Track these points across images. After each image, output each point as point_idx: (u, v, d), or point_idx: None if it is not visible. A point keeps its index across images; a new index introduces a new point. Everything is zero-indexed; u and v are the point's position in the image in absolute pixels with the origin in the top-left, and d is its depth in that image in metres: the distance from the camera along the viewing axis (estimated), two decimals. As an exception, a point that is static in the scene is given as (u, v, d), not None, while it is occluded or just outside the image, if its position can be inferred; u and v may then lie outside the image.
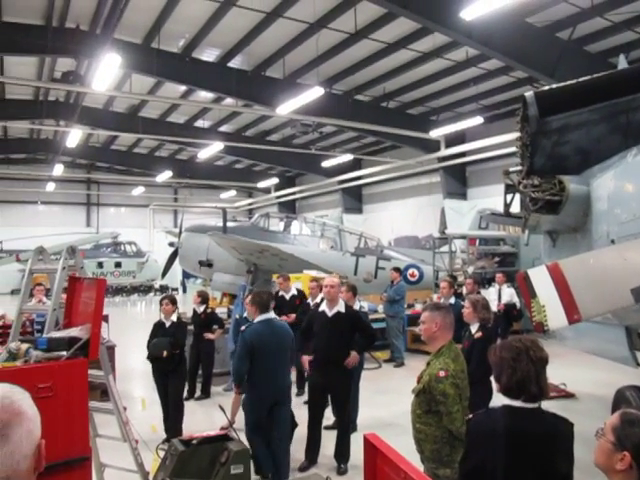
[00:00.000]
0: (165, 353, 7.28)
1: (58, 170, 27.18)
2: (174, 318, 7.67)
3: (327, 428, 7.03)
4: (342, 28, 14.88)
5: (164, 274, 18.22)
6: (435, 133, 18.58)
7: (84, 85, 17.21)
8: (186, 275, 28.33)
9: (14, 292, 30.44)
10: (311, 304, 9.43)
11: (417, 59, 16.78)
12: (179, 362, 7.51)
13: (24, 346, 3.77)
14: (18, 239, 29.28)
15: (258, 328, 5.76)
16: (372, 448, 3.48)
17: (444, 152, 20.42)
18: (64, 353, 3.75)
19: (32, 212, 35.43)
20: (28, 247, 28.74)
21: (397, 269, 13.32)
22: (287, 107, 15.56)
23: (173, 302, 7.85)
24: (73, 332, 3.85)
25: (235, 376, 6.07)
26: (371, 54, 16.66)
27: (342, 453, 6.54)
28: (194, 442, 4.37)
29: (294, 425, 6.67)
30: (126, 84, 18.92)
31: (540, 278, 3.64)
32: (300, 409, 7.25)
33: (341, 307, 6.60)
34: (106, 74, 12.90)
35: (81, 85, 17.69)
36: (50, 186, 31.45)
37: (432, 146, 21.06)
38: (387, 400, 9.26)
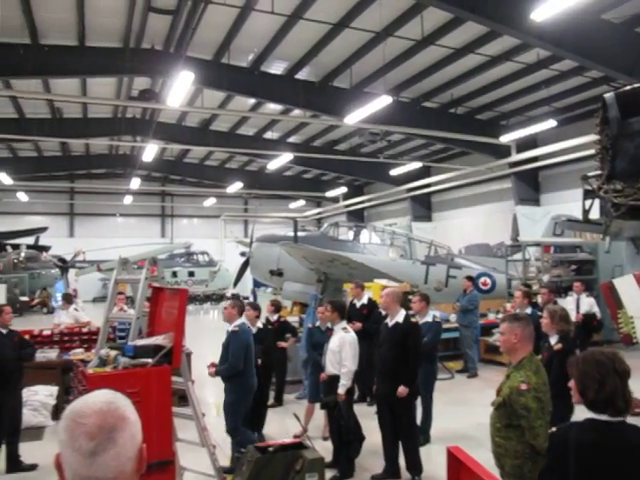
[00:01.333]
0: (259, 362, 7.44)
1: (135, 183, 28.30)
2: (260, 325, 7.86)
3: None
4: (409, 35, 14.81)
5: (236, 283, 18.59)
6: (505, 138, 18.16)
7: (159, 102, 17.92)
8: (256, 284, 28.72)
9: (95, 300, 31.90)
10: (383, 313, 9.41)
11: (485, 63, 16.48)
12: (266, 365, 7.74)
13: (113, 353, 3.96)
14: (99, 250, 30.64)
15: None
16: (456, 461, 3.40)
17: (515, 157, 19.93)
18: (149, 360, 3.91)
19: (111, 224, 37.07)
20: (108, 257, 30.08)
21: (470, 277, 13.07)
22: (355, 117, 15.62)
23: (255, 308, 8.02)
24: (157, 340, 4.00)
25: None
26: (438, 60, 16.50)
27: (413, 464, 6.43)
28: (270, 449, 4.44)
29: (361, 438, 6.66)
30: (198, 99, 19.51)
31: (627, 288, 3.50)
32: (367, 418, 7.22)
33: (399, 317, 6.52)
34: (180, 91, 13.36)
35: (156, 102, 18.43)
36: (128, 199, 32.80)
37: (502, 151, 20.58)
38: (461, 412, 9.08)
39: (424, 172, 27.06)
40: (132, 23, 15.21)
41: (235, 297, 30.42)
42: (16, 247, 28.01)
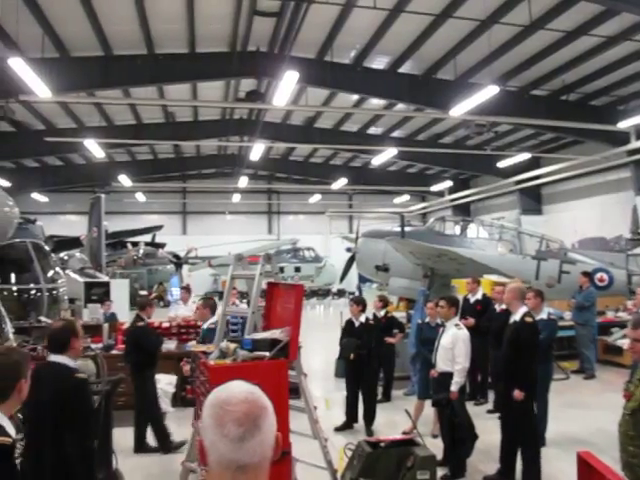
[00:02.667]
0: (352, 356, 7.59)
1: (243, 182, 29.28)
2: (362, 319, 7.96)
3: None
4: (515, 21, 14.22)
5: (342, 278, 18.78)
6: (624, 124, 16.99)
7: (265, 102, 18.40)
8: (362, 279, 28.85)
9: (207, 294, 33.35)
10: (497, 309, 9.19)
11: (601, 45, 15.48)
12: (369, 360, 7.77)
13: (232, 346, 4.16)
14: (210, 246, 32.05)
15: None
16: (586, 467, 3.23)
17: (635, 144, 18.62)
18: (267, 353, 4.06)
19: (221, 222, 38.63)
20: (218, 254, 31.40)
21: (586, 273, 12.41)
22: (460, 108, 15.25)
23: (357, 303, 8.21)
24: (274, 334, 4.15)
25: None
26: (548, 45, 15.71)
27: (528, 474, 6.04)
28: (382, 445, 4.47)
29: (474, 437, 6.51)
30: (302, 98, 19.84)
31: None
32: (479, 418, 7.06)
33: (517, 315, 6.21)
34: (285, 90, 13.65)
35: (262, 102, 18.96)
36: (236, 197, 34.01)
37: (620, 139, 19.26)
38: (577, 415, 8.66)
39: (533, 163, 25.89)
40: (238, 28, 15.74)
41: (341, 293, 30.65)
42: (135, 244, 29.86)
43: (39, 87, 13.36)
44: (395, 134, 25.52)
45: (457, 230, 16.75)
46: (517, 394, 5.91)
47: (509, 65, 17.15)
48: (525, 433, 6.08)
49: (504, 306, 8.75)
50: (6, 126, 21.11)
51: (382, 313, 9.68)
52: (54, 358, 3.93)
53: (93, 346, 7.54)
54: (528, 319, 6.13)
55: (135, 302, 11.25)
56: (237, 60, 16.53)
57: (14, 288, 10.74)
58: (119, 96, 19.31)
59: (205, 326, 6.91)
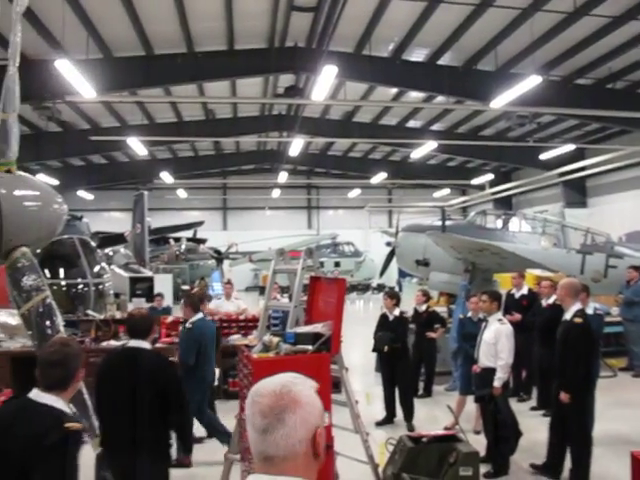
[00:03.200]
0: (386, 348, 7.63)
1: (282, 177, 29.43)
2: (397, 312, 7.96)
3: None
4: (559, 8, 13.87)
5: (382, 273, 18.70)
6: (675, 112, 16.42)
7: (304, 97, 18.43)
8: (402, 274, 28.68)
9: (248, 289, 33.73)
10: (543, 304, 9.02)
11: (650, 31, 15.00)
12: (403, 354, 7.76)
13: (275, 339, 4.21)
14: (250, 242, 32.36)
15: None
16: None
17: (687, 133, 17.99)
18: (310, 347, 4.09)
19: (261, 217, 38.97)
20: (258, 249, 31.67)
21: (636, 267, 12.05)
22: (501, 100, 14.98)
23: (391, 297, 8.30)
24: (317, 328, 4.18)
25: None
26: (593, 32, 15.26)
27: (576, 469, 5.92)
28: (424, 440, 4.45)
29: (518, 434, 6.42)
30: (341, 92, 19.80)
31: None
32: (522, 415, 6.95)
33: (569, 314, 6.00)
34: (324, 85, 13.65)
35: (301, 97, 19.00)
36: (275, 193, 34.21)
37: (671, 127, 18.68)
38: (625, 414, 8.42)
39: (578, 155, 25.24)
40: (276, 23, 15.81)
41: (381, 287, 30.53)
42: (177, 240, 30.36)
43: (84, 88, 13.68)
44: (435, 127, 25.25)
45: (499, 224, 16.47)
46: (563, 397, 5.79)
47: (552, 54, 16.74)
48: (575, 432, 5.93)
49: (550, 301, 8.60)
50: (53, 126, 21.70)
51: (423, 308, 9.61)
52: (135, 343, 4.21)
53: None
54: (577, 319, 5.90)
55: (178, 297, 11.48)
56: (275, 56, 16.60)
57: (62, 283, 11.10)
58: (160, 94, 19.62)
59: (186, 325, 7.00)
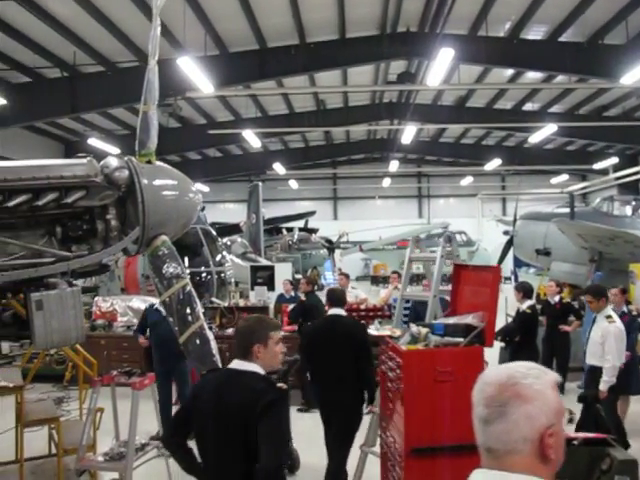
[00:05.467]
0: (499, 338, 7.46)
1: (393, 166, 29.16)
2: (524, 306, 7.78)
3: None
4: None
5: (500, 262, 18.02)
6: None
7: (416, 83, 18.09)
8: (517, 264, 27.55)
9: (358, 279, 33.82)
10: None
11: None
12: (519, 348, 7.57)
13: (424, 330, 4.09)
14: (361, 231, 32.40)
15: None
16: None
17: None
18: (461, 339, 3.93)
19: (371, 206, 38.91)
20: (369, 238, 31.66)
21: None
22: (632, 76, 13.87)
23: (519, 290, 8.04)
24: (466, 319, 4.02)
25: None
26: None
27: None
28: (574, 442, 4.14)
29: (625, 444, 5.86)
30: (454, 76, 19.23)
31: None
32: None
33: None
34: (439, 69, 13.31)
35: (413, 84, 18.67)
36: (386, 182, 33.98)
37: None
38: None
39: None
40: (388, 9, 15.58)
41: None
42: (290, 230, 30.97)
43: (203, 83, 14.24)
44: (553, 109, 23.89)
45: (627, 211, 15.32)
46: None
47: (692, 22, 15.29)
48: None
49: None
50: (173, 123, 22.81)
51: (556, 299, 9.08)
52: (335, 311, 5.26)
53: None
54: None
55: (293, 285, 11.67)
56: (387, 42, 16.39)
57: (187, 271, 11.60)
58: (273, 87, 20.02)
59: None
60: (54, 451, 6.22)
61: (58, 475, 5.84)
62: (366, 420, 5.38)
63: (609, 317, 6.29)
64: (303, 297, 9.29)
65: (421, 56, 16.78)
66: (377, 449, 5.10)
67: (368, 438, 5.19)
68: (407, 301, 5.56)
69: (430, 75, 14.11)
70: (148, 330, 7.54)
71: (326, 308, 5.60)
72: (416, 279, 17.60)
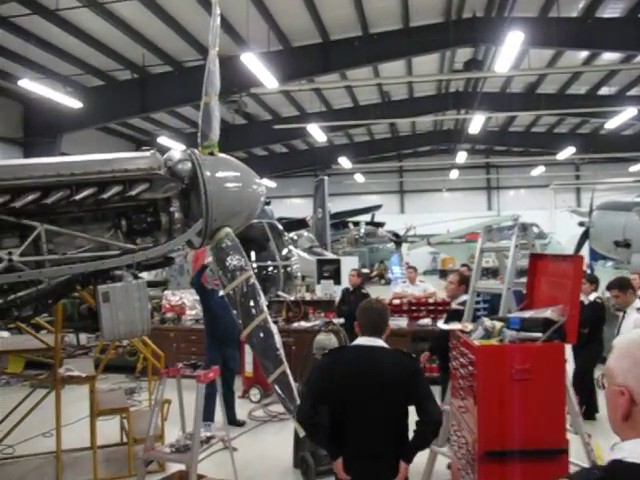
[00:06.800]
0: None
1: (461, 158, 28.50)
2: (592, 297, 7.57)
3: None
4: None
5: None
6: None
7: (484, 70, 17.54)
8: (593, 257, 26.38)
9: (426, 272, 33.30)
10: None
11: None
12: (588, 341, 7.21)
13: (498, 325, 3.86)
14: (428, 224, 31.86)
15: None
16: None
17: None
18: (539, 335, 3.69)
19: (438, 199, 38.26)
20: (436, 231, 31.09)
21: None
22: None
23: (590, 281, 7.85)
24: (544, 313, 3.78)
25: None
26: None
27: None
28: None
29: None
30: (523, 62, 18.54)
31: None
32: None
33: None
34: (509, 54, 12.83)
35: (480, 71, 18.12)
36: (453, 174, 33.29)
37: None
38: None
39: None
40: (453, -5, 15.18)
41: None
42: (356, 224, 30.84)
43: (267, 79, 14.30)
44: (632, 92, 22.65)
45: None
46: None
47: None
48: None
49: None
50: (239, 119, 23.11)
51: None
52: None
53: (335, 320, 7.69)
54: None
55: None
56: (453, 29, 15.91)
57: (254, 265, 11.72)
58: (336, 80, 19.91)
59: (454, 305, 6.48)
60: (125, 439, 6.38)
61: (129, 463, 5.99)
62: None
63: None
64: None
65: (488, 42, 16.24)
66: (446, 449, 4.92)
67: (439, 437, 4.98)
68: (478, 294, 5.21)
69: (498, 61, 13.61)
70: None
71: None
72: (490, 273, 17.05)
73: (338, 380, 3.35)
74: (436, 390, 4.94)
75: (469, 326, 4.12)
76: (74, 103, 15.95)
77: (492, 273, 18.84)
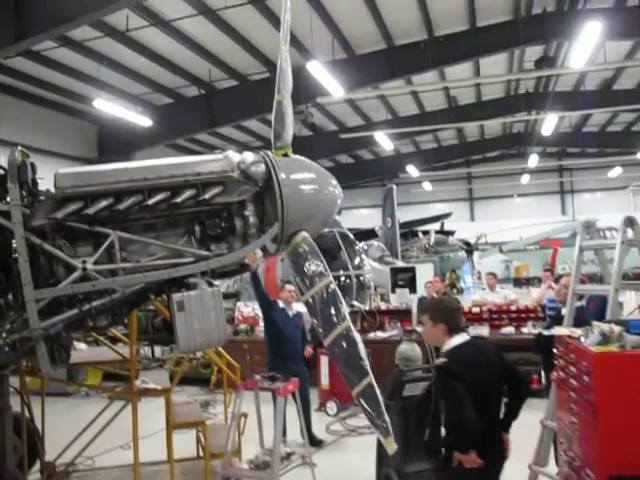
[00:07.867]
0: None
1: (533, 161, 27.52)
2: None
3: None
4: None
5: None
6: None
7: (556, 68, 16.82)
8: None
9: (499, 281, 32.15)
10: None
11: None
12: None
13: (617, 329, 3.46)
14: (499, 231, 30.88)
15: None
16: None
17: None
18: None
19: (509, 205, 37.19)
20: (508, 239, 30.10)
21: None
22: None
23: None
24: None
25: None
26: None
27: None
28: None
29: None
30: (598, 57, 17.66)
31: None
32: None
33: None
34: (585, 47, 12.20)
35: (552, 68, 17.40)
36: (524, 178, 32.21)
37: None
38: None
39: None
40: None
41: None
42: (426, 233, 30.22)
43: (333, 87, 14.18)
44: None
45: None
46: None
47: None
48: None
49: None
50: (305, 131, 23.11)
51: None
52: None
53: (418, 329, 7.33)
54: None
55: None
56: (522, 26, 15.34)
57: (328, 272, 11.47)
58: (402, 86, 19.60)
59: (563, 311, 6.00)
60: (201, 453, 6.26)
61: (206, 478, 5.84)
62: (535, 432, 4.74)
63: None
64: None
65: (561, 37, 15.56)
66: (549, 469, 4.47)
67: (539, 456, 4.52)
68: (579, 298, 4.73)
69: (573, 57, 12.94)
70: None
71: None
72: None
73: (472, 378, 3.55)
74: (534, 403, 4.52)
75: (577, 331, 3.71)
76: (145, 121, 16.37)
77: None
